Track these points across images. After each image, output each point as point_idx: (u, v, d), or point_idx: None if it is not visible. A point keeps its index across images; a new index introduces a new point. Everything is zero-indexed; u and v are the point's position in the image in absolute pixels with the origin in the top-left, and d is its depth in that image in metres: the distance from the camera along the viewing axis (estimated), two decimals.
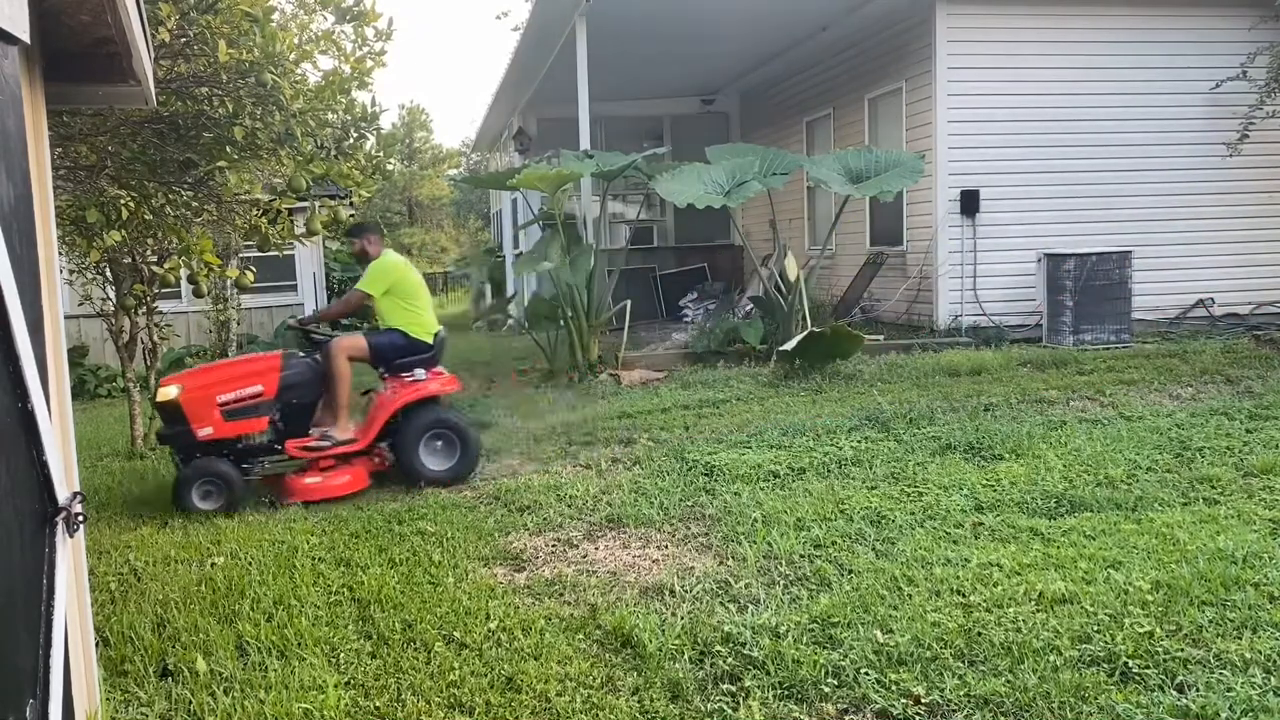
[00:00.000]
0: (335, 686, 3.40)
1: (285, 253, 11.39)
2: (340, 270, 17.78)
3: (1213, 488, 5.15)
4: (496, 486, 6.02)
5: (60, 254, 6.87)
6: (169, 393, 5.96)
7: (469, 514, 5.46)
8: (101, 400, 12.09)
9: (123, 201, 5.23)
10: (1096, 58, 10.68)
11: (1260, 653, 3.26)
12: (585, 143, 10.79)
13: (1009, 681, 3.19)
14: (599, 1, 10.28)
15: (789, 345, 8.73)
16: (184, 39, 4.31)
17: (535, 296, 10.86)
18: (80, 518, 2.70)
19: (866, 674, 3.28)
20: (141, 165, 5.04)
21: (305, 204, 5.69)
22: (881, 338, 10.29)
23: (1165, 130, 10.85)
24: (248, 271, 6.61)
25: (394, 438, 6.29)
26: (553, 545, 4.90)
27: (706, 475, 5.88)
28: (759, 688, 3.24)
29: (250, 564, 4.76)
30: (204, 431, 5.94)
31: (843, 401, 7.74)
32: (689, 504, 5.38)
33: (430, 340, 6.48)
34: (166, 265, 7.00)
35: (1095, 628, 3.50)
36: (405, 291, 6.46)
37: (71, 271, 8.32)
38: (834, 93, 13.13)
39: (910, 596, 3.90)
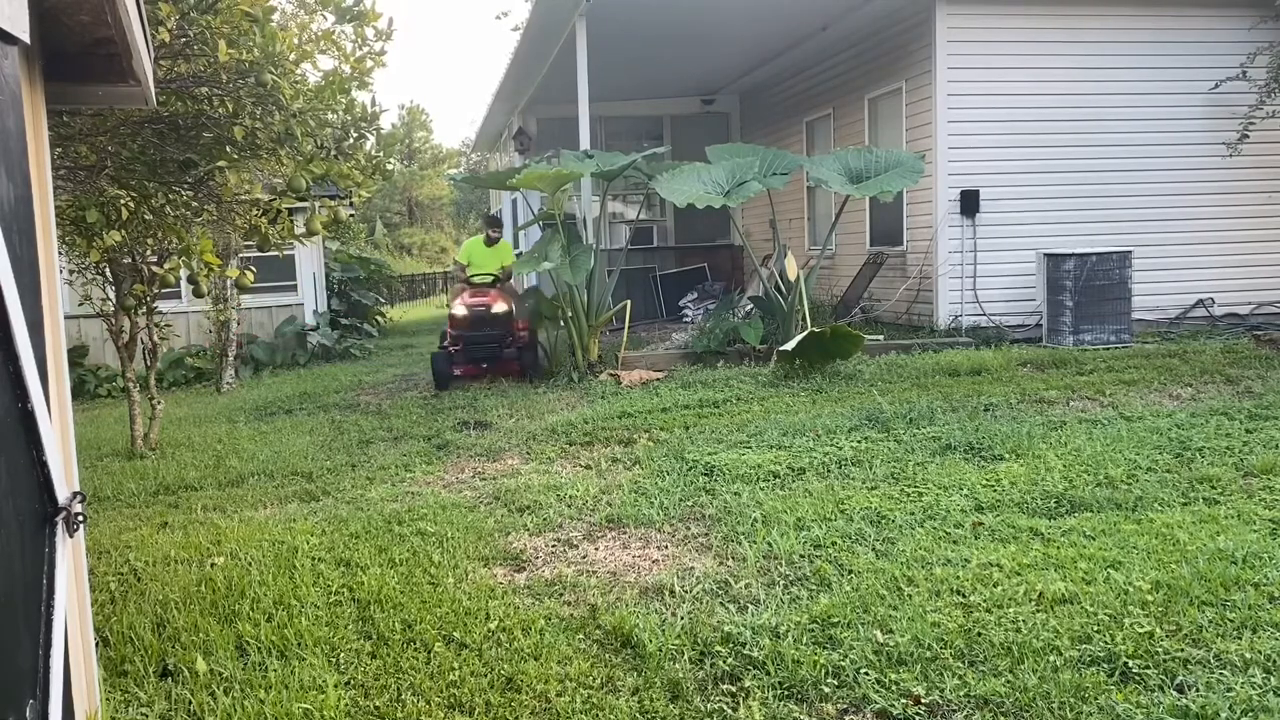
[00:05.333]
0: (335, 686, 3.40)
1: (285, 253, 11.39)
2: (340, 270, 17.77)
3: (1213, 488, 5.15)
4: (496, 486, 6.02)
5: (60, 254, 6.87)
6: None
7: (469, 514, 5.46)
8: (101, 400, 12.10)
9: (123, 201, 5.22)
10: (1096, 58, 10.68)
11: (1260, 653, 3.26)
12: (585, 143, 10.79)
13: (1009, 681, 3.19)
14: (599, 2, 10.28)
15: (789, 345, 8.72)
16: (184, 39, 4.30)
17: (536, 296, 10.89)
18: (80, 518, 2.70)
19: (866, 674, 3.29)
20: (141, 165, 5.04)
21: (305, 204, 5.68)
22: (881, 338, 10.29)
23: (1165, 130, 10.86)
24: (248, 271, 6.61)
25: None
26: (553, 545, 4.90)
27: (706, 475, 5.88)
28: (759, 688, 3.25)
29: (250, 564, 4.76)
30: None
31: (843, 401, 7.74)
32: (689, 504, 5.38)
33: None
34: (166, 265, 7.00)
35: (1095, 628, 3.50)
36: None
37: (71, 271, 8.33)
38: (834, 93, 13.13)
39: (910, 596, 3.90)
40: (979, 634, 3.52)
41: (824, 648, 3.50)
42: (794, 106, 14.54)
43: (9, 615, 2.14)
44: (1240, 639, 3.38)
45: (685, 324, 13.28)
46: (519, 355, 9.79)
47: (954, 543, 4.53)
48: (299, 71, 4.82)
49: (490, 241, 10.59)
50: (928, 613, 3.71)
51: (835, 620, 3.69)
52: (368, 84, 4.99)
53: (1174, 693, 3.06)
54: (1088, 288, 9.70)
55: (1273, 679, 3.10)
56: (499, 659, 3.58)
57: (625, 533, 5.02)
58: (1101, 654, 3.32)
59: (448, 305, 11.11)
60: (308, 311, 15.28)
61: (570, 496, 5.65)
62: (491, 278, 10.34)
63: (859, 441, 6.41)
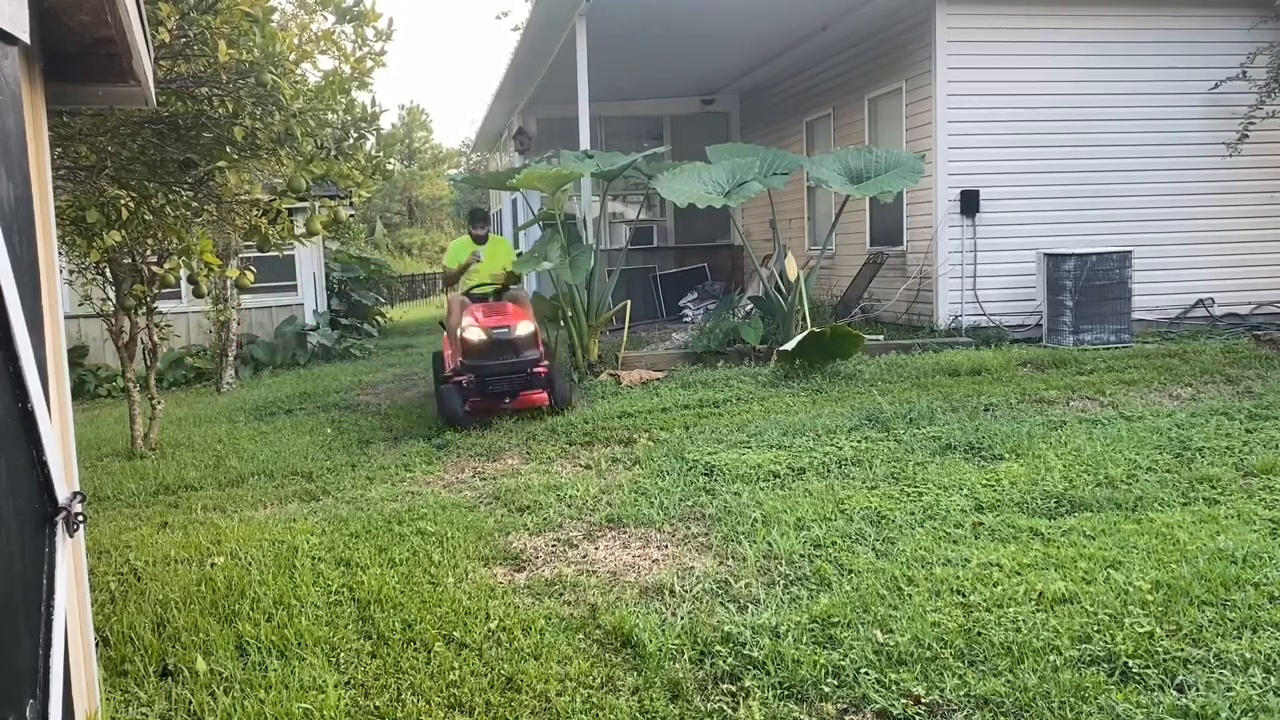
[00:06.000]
0: (335, 686, 3.41)
1: (285, 253, 11.39)
2: (340, 270, 17.76)
3: (1213, 488, 5.15)
4: (496, 486, 6.02)
5: (60, 254, 6.87)
6: None
7: (469, 514, 5.46)
8: (101, 400, 12.10)
9: (123, 201, 5.22)
10: (1096, 58, 10.68)
11: (1260, 653, 3.26)
12: (585, 143, 10.79)
13: (1009, 681, 3.19)
14: (599, 2, 10.28)
15: (789, 345, 8.73)
16: (184, 39, 4.30)
17: (535, 296, 10.86)
18: (80, 518, 2.70)
19: (866, 674, 3.29)
20: (141, 165, 5.04)
21: (305, 204, 5.68)
22: (881, 338, 10.29)
23: (1165, 130, 10.85)
24: (248, 271, 6.61)
25: None
26: (553, 545, 4.90)
27: (706, 475, 5.88)
28: (759, 688, 3.25)
29: (250, 564, 4.76)
30: None
31: (843, 401, 7.74)
32: (689, 504, 5.38)
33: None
34: (166, 265, 7.00)
35: (1095, 628, 3.50)
36: None
37: (71, 271, 8.33)
38: (834, 93, 13.13)
39: (910, 596, 3.90)
40: (979, 634, 3.52)
41: (824, 647, 3.50)
42: (794, 106, 14.54)
43: (9, 615, 2.14)
44: (1240, 639, 3.38)
45: (685, 324, 13.28)
46: (549, 385, 8.11)
47: (954, 543, 4.53)
48: (299, 71, 4.83)
49: (479, 240, 9.08)
50: (928, 612, 3.72)
51: (835, 620, 3.69)
52: (368, 84, 4.99)
53: (1174, 693, 3.07)
54: (1088, 288, 9.70)
55: (1273, 679, 3.10)
56: (499, 659, 3.58)
57: (625, 532, 5.02)
58: (1101, 654, 3.32)
59: (445, 324, 8.89)
60: (308, 311, 15.28)
61: (570, 496, 5.65)
62: (493, 288, 8.81)
63: (859, 441, 6.41)
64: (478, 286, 8.73)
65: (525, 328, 8.09)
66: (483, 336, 7.94)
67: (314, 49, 4.79)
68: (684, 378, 8.98)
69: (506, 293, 8.81)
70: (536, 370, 8.04)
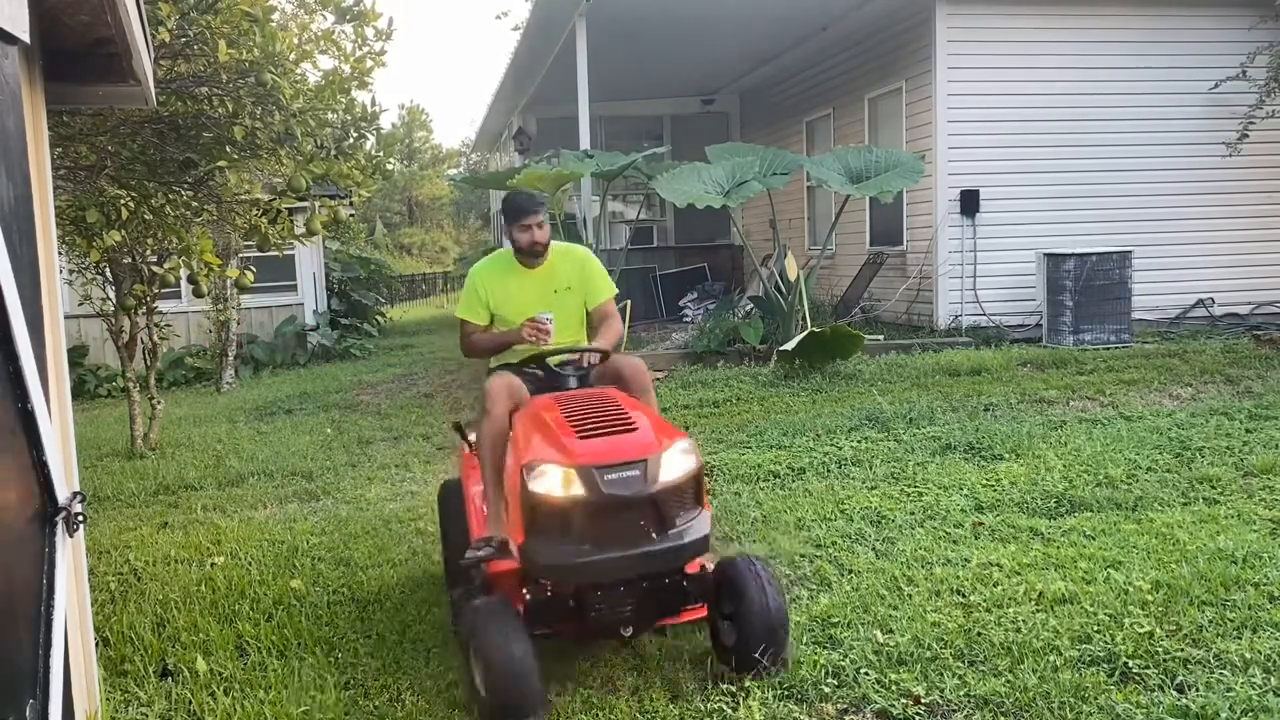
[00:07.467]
0: (335, 686, 3.40)
1: (285, 253, 11.37)
2: (340, 270, 17.76)
3: (1213, 488, 5.15)
4: None
5: (60, 254, 6.87)
6: None
7: None
8: (101, 400, 12.09)
9: (123, 201, 5.23)
10: (1096, 58, 10.67)
11: (1260, 653, 3.26)
12: (585, 143, 10.79)
13: (1009, 681, 3.19)
14: (599, 1, 10.28)
15: (789, 345, 8.72)
16: (184, 39, 4.31)
17: None
18: (80, 518, 2.70)
19: (866, 674, 3.29)
20: (141, 165, 5.04)
21: (305, 204, 5.69)
22: (881, 338, 10.28)
23: (1165, 130, 10.85)
24: (248, 271, 6.61)
25: None
26: None
27: (706, 475, 5.87)
28: (759, 688, 3.24)
29: (250, 564, 4.76)
30: None
31: (843, 401, 7.74)
32: None
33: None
34: (166, 265, 7.00)
35: (1095, 628, 3.50)
36: None
37: (71, 271, 8.32)
38: (834, 93, 13.13)
39: (910, 596, 3.90)
40: (979, 634, 3.52)
41: (824, 648, 3.50)
42: (794, 106, 14.54)
43: (9, 615, 2.14)
44: (1240, 639, 3.38)
45: (685, 324, 13.27)
46: (718, 591, 3.44)
47: (954, 542, 4.53)
48: (299, 71, 4.83)
49: (528, 257, 4.06)
50: (928, 613, 3.71)
51: (835, 620, 3.69)
52: (368, 84, 5.00)
53: (1174, 693, 3.06)
54: (1088, 288, 9.70)
55: (1273, 679, 3.10)
56: None
57: None
58: (1101, 654, 3.32)
59: (467, 435, 4.02)
60: (308, 311, 15.27)
61: None
62: (575, 356, 3.97)
63: (859, 441, 6.41)
64: (542, 355, 3.91)
65: (683, 462, 3.35)
66: (581, 492, 3.14)
67: (314, 49, 4.80)
68: (684, 377, 8.97)
69: (607, 362, 3.95)
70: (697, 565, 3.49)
